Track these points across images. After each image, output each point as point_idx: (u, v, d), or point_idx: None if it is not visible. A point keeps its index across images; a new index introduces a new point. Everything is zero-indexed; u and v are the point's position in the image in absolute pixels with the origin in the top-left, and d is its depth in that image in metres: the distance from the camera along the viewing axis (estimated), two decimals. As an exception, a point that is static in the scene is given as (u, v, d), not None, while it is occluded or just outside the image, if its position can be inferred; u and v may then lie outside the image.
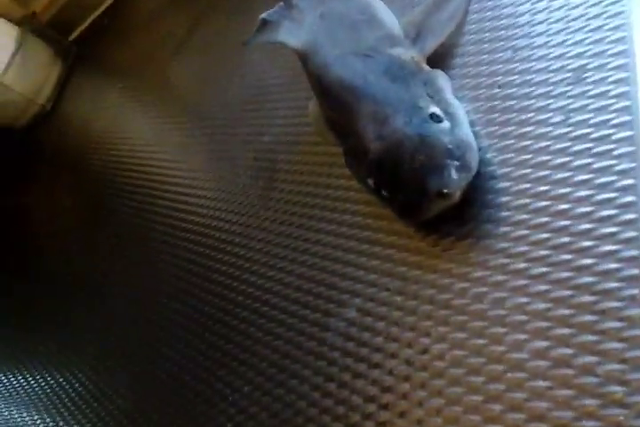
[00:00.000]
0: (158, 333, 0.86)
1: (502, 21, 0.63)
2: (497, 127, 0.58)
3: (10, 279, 1.44)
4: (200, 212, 0.92)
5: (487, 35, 0.64)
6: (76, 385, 0.95)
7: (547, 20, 0.59)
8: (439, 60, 0.65)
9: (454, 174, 0.52)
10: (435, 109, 0.56)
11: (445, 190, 0.51)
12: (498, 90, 0.59)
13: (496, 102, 0.59)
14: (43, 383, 1.03)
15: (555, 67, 0.56)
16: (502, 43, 0.62)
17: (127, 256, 1.06)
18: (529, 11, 0.61)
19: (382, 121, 0.57)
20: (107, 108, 1.51)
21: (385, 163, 0.56)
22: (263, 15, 0.77)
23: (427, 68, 0.63)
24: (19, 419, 1.00)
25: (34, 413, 0.98)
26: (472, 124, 0.58)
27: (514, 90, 0.58)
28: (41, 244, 1.45)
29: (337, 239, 0.66)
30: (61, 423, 0.91)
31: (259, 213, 0.80)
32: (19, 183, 1.74)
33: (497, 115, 0.58)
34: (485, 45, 0.63)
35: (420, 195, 0.53)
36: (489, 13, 0.65)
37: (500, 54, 0.61)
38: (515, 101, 0.57)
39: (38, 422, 0.96)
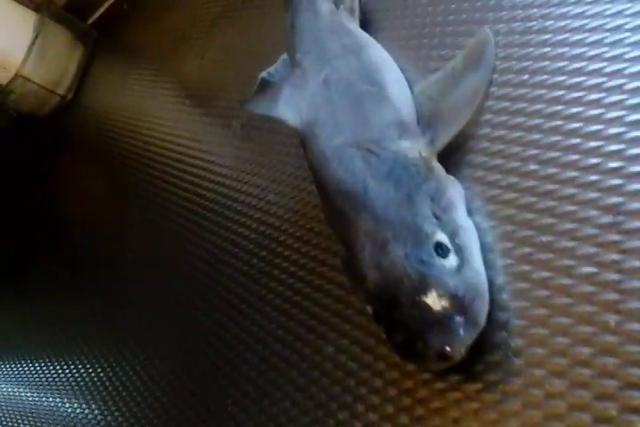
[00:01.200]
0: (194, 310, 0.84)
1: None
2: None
3: (37, 265, 1.47)
4: (223, 192, 0.90)
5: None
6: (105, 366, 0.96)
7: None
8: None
9: (458, 332, 0.45)
10: (441, 238, 0.49)
11: (446, 350, 0.45)
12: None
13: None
14: (70, 366, 1.04)
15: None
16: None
17: (154, 237, 1.06)
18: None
19: (381, 245, 0.50)
20: (129, 93, 1.47)
21: (383, 297, 0.49)
22: (263, 74, 0.69)
23: (437, 167, 0.54)
24: (59, 404, 1.01)
25: (72, 399, 1.00)
26: (485, 248, 0.50)
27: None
28: (68, 228, 1.45)
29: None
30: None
31: (285, 192, 0.77)
32: (44, 170, 1.74)
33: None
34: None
35: (419, 347, 0.46)
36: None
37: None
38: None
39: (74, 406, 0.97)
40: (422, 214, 0.50)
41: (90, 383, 0.98)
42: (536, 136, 0.52)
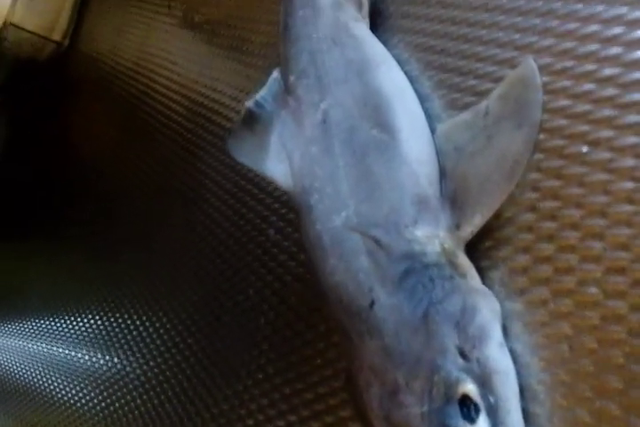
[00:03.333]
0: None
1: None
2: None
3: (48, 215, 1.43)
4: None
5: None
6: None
7: None
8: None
9: None
10: (469, 389, 0.37)
11: None
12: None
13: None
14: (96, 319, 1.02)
15: None
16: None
17: (161, 173, 0.99)
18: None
19: (392, 392, 0.39)
20: (129, 34, 1.35)
21: None
22: (250, 104, 0.54)
23: (464, 267, 0.41)
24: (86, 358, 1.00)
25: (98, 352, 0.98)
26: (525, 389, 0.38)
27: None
28: (75, 171, 1.41)
29: None
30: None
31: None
32: (49, 113, 1.66)
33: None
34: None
35: None
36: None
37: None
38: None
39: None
40: (445, 352, 0.38)
41: (112, 334, 0.96)
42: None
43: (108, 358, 0.96)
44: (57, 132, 1.62)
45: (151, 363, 0.83)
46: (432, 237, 0.42)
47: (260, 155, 0.52)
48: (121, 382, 0.91)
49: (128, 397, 0.88)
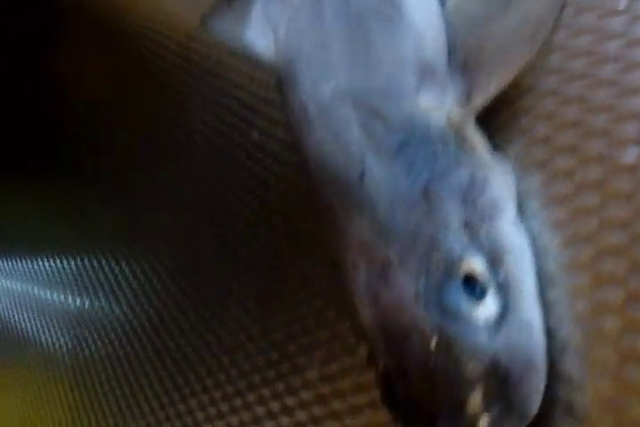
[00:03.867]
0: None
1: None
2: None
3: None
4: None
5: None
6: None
7: None
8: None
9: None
10: (475, 265, 0.31)
11: None
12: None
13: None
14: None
15: None
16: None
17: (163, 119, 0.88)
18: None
19: (381, 270, 0.32)
20: None
21: (380, 349, 0.32)
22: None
23: (473, 140, 0.35)
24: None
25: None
26: (543, 278, 0.32)
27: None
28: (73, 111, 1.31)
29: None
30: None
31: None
32: (44, 49, 1.53)
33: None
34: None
35: None
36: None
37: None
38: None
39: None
40: (447, 225, 0.32)
41: (90, 274, 0.92)
42: None
43: (83, 299, 0.91)
44: (48, 69, 1.55)
45: (131, 303, 0.78)
46: (437, 108, 0.35)
47: (241, 31, 0.46)
48: (97, 324, 0.85)
49: (106, 340, 0.82)
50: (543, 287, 0.31)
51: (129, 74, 1.09)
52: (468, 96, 0.36)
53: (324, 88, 0.38)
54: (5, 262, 1.33)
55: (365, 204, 0.33)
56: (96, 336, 0.85)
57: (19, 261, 1.25)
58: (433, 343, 0.30)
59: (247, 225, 0.54)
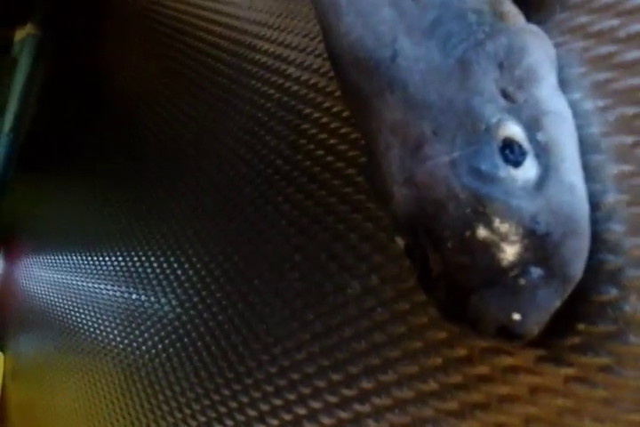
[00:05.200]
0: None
1: None
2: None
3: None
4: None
5: None
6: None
7: None
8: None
9: (535, 294, 0.27)
10: (513, 131, 0.29)
11: (514, 323, 0.27)
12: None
13: None
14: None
15: None
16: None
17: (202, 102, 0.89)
18: None
19: (415, 147, 0.31)
20: None
21: (417, 230, 0.31)
22: None
23: (511, 12, 0.33)
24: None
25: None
26: (587, 145, 0.30)
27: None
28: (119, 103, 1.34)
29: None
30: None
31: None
32: (88, 42, 1.61)
33: None
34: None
35: (471, 316, 0.29)
36: None
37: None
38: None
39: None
40: (483, 92, 0.30)
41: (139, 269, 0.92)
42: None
43: (135, 293, 0.91)
44: (95, 64, 1.59)
45: (181, 298, 0.76)
46: (471, -19, 0.33)
47: None
48: (145, 317, 0.85)
49: (155, 336, 0.81)
50: (587, 152, 0.29)
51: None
52: (503, -31, 0.34)
53: None
54: (57, 257, 1.35)
55: (398, 83, 0.32)
56: (147, 326, 0.84)
57: (71, 255, 1.27)
58: (469, 210, 0.28)
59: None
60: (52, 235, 1.49)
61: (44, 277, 1.46)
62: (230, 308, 0.58)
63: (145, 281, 0.90)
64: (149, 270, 0.90)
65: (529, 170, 0.28)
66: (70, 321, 1.17)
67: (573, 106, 0.30)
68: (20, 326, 1.52)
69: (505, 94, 0.30)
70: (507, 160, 0.28)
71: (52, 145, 1.61)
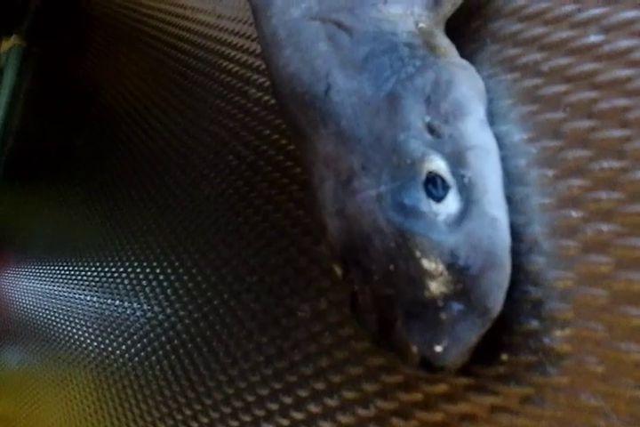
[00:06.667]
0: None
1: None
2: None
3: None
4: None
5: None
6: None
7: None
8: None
9: (454, 328, 0.27)
10: (436, 166, 0.30)
11: (435, 355, 0.28)
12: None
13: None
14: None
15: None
16: None
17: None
18: None
19: (346, 180, 0.32)
20: None
21: (348, 261, 0.32)
22: None
23: (442, 45, 0.34)
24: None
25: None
26: (512, 179, 0.30)
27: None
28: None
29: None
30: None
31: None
32: (73, 54, 1.60)
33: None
34: None
35: (397, 345, 0.29)
36: None
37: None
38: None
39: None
40: (409, 126, 0.31)
41: (132, 279, 0.90)
42: None
43: (127, 302, 0.90)
44: (83, 73, 1.59)
45: (166, 310, 0.76)
46: (404, 14, 0.34)
47: None
48: (130, 328, 0.84)
49: (149, 345, 0.80)
50: (513, 184, 0.30)
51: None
52: (436, 2, 0.34)
53: (294, 12, 0.38)
54: (41, 268, 1.35)
55: (330, 116, 0.33)
56: (131, 335, 0.83)
57: (55, 265, 1.26)
58: (392, 244, 0.29)
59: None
60: (36, 246, 1.49)
61: (28, 287, 1.45)
62: (193, 327, 0.58)
63: (131, 292, 0.90)
64: (135, 282, 0.90)
65: (451, 204, 0.29)
66: (54, 332, 1.16)
67: (501, 138, 0.31)
68: (2, 338, 1.51)
69: (431, 129, 0.30)
70: (430, 195, 0.29)
71: (36, 157, 1.61)
